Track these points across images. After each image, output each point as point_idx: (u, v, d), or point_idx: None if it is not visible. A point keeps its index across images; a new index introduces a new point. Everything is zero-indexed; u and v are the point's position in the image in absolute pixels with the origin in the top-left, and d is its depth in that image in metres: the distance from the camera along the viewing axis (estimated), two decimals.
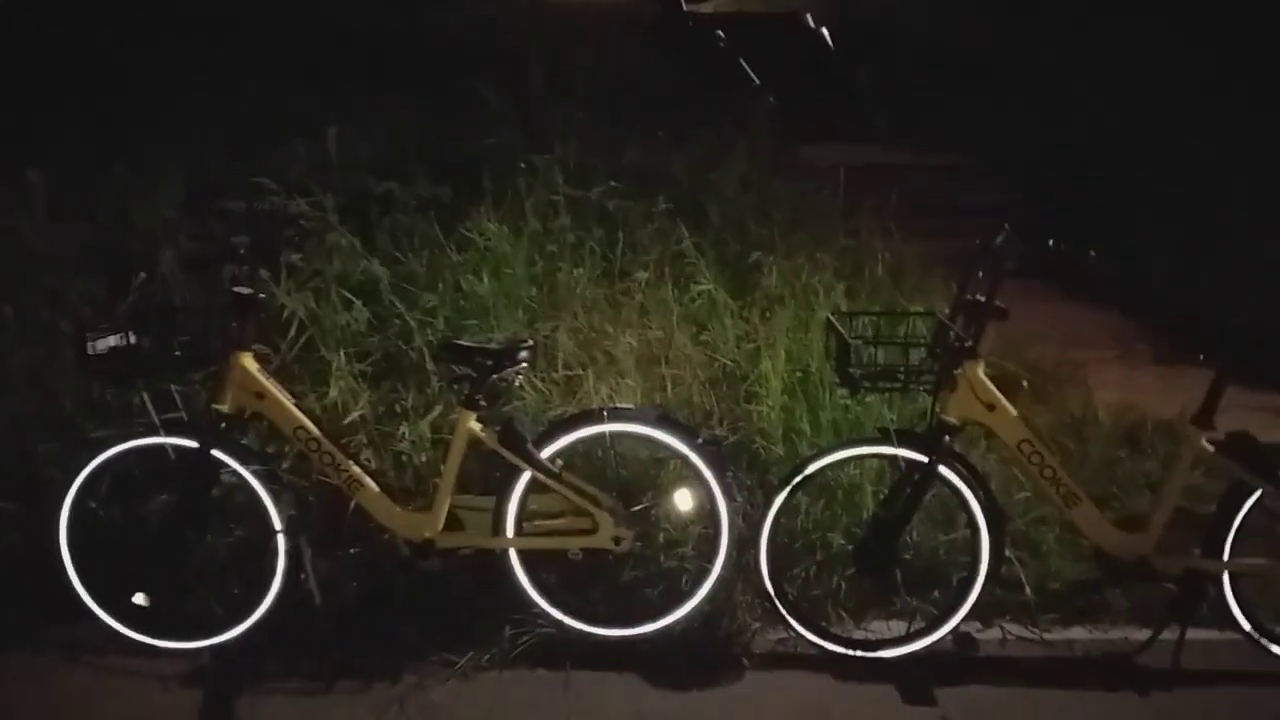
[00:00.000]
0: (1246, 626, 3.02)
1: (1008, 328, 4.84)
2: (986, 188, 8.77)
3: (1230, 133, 7.95)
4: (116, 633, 3.08)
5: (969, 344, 2.88)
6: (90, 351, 2.87)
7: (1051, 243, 2.88)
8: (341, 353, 3.61)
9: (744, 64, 10.71)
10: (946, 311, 3.00)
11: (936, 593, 3.27)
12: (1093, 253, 2.87)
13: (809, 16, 16.46)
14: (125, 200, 4.65)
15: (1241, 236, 6.68)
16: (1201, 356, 2.94)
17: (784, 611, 3.13)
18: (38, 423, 3.43)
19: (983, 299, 2.86)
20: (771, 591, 3.12)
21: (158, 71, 7.92)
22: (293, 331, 3.55)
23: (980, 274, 2.88)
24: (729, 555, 3.10)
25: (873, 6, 16.68)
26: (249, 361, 2.97)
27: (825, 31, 15.41)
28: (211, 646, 3.06)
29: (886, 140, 11.03)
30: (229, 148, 5.51)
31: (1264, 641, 3.03)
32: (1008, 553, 3.23)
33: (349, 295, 3.95)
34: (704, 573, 3.12)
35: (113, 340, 2.92)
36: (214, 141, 5.84)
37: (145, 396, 3.16)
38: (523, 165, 5.23)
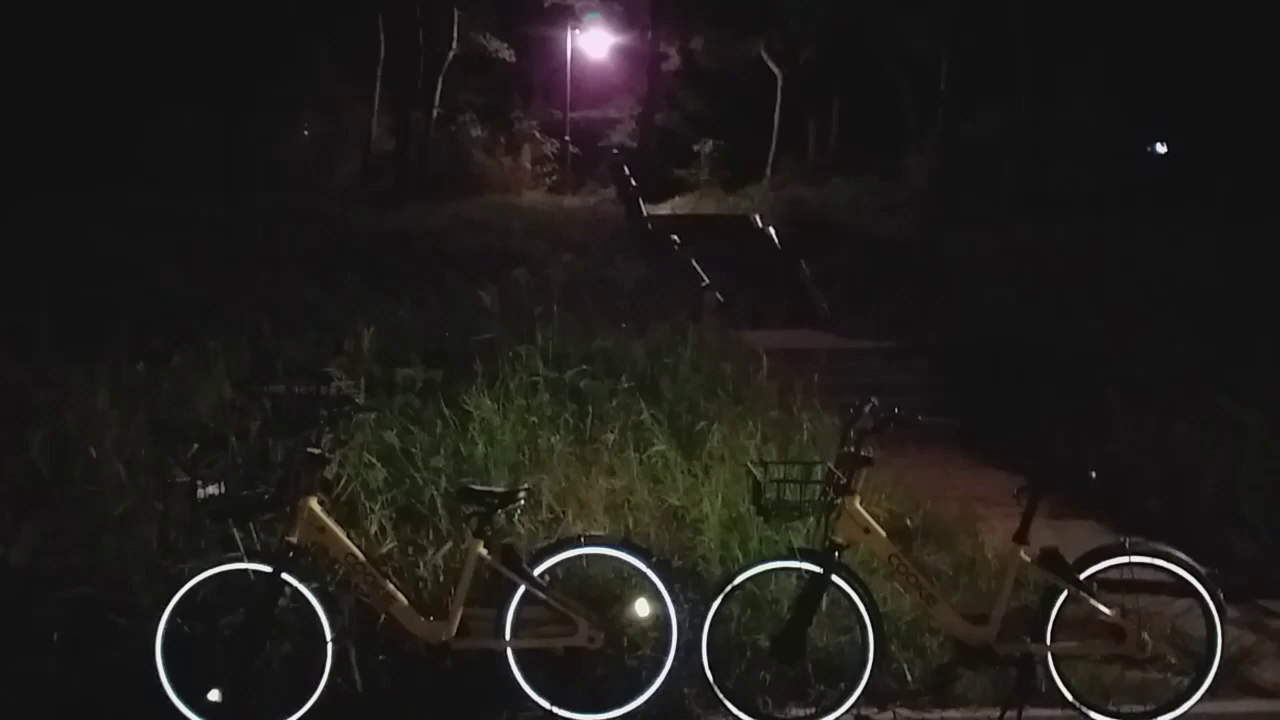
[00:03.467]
0: (1070, 698, 3.96)
1: (924, 484, 5.94)
2: (906, 369, 10.07)
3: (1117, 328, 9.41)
4: None
5: (846, 483, 3.94)
6: (200, 496, 3.85)
7: (896, 410, 4.00)
8: (373, 502, 4.60)
9: (695, 264, 12.17)
10: (833, 460, 4.08)
11: (843, 682, 4.17)
12: (920, 417, 4.00)
13: (758, 218, 18.40)
14: (187, 382, 5.69)
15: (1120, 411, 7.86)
16: (1015, 492, 4.02)
17: (722, 698, 4.01)
18: (131, 558, 4.33)
19: (854, 450, 3.95)
20: (712, 681, 4.02)
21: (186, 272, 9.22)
22: (340, 485, 4.55)
23: (852, 432, 3.99)
24: (679, 653, 4.01)
25: (817, 209, 18.69)
26: (315, 504, 3.95)
27: (772, 231, 17.25)
28: None
29: (823, 326, 12.44)
30: (265, 338, 6.64)
31: (1084, 710, 3.96)
32: (894, 649, 4.19)
33: (372, 459, 4.98)
34: (659, 667, 4.02)
35: (212, 489, 3.92)
36: (249, 332, 6.98)
37: (235, 531, 4.09)
38: (510, 354, 6.38)
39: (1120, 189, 16.28)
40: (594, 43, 24.97)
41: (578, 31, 24.48)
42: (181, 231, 11.91)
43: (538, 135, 24.65)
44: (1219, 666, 4.01)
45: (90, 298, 8.14)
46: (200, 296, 8.63)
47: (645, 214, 17.47)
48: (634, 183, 18.52)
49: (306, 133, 22.69)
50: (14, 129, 14.70)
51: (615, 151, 22.80)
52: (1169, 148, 20.91)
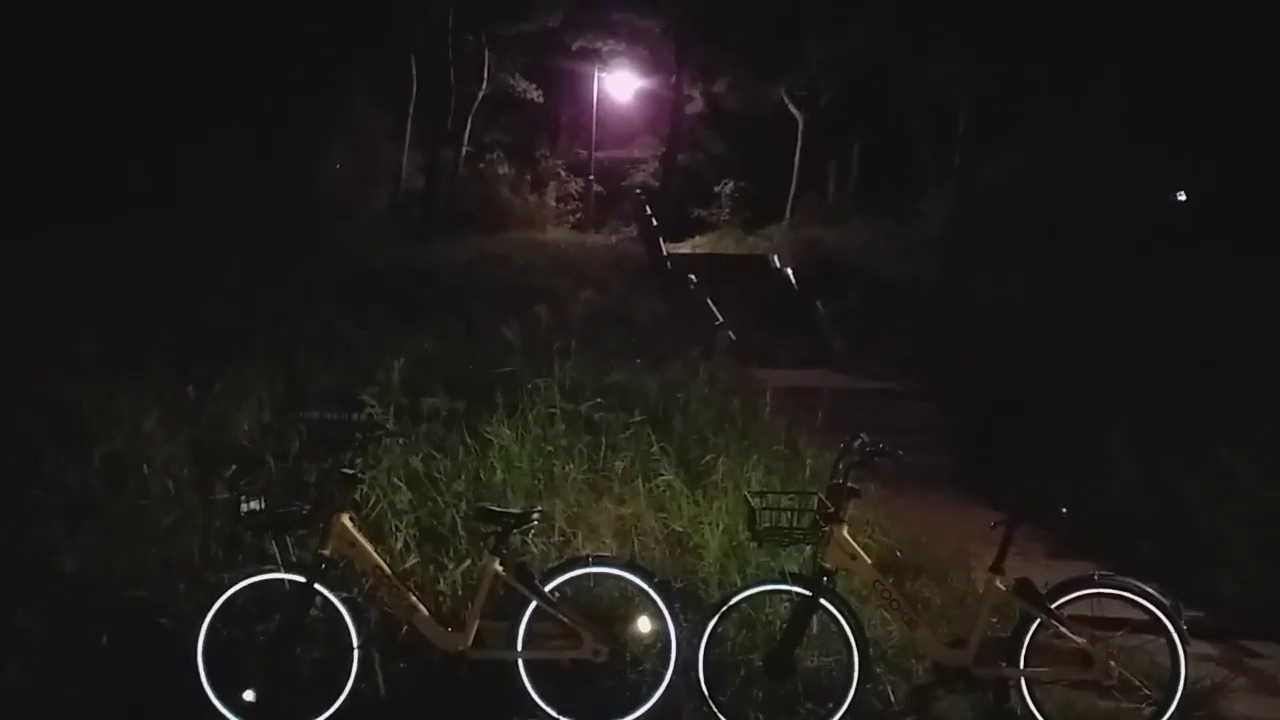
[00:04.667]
0: (1039, 719, 4.24)
1: (924, 521, 6.21)
2: (914, 409, 10.35)
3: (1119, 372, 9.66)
4: None
5: (835, 512, 4.26)
6: (242, 511, 4.23)
7: (881, 445, 4.33)
8: (399, 521, 4.96)
9: (709, 302, 12.54)
10: (824, 491, 4.41)
11: (830, 701, 4.45)
12: (900, 452, 4.33)
13: (776, 258, 18.78)
14: (227, 407, 6.09)
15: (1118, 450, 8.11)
16: (992, 525, 4.33)
17: (717, 712, 4.31)
18: (176, 568, 4.71)
19: (843, 482, 4.28)
20: (708, 696, 4.32)
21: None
22: (368, 505, 4.91)
23: (842, 464, 4.32)
24: (677, 668, 4.32)
25: (834, 250, 19.06)
26: (347, 521, 4.32)
27: (790, 271, 17.62)
28: None
29: (835, 366, 12.74)
30: (299, 367, 7.04)
31: None
32: (879, 671, 4.48)
33: (398, 482, 5.34)
34: (659, 681, 4.33)
35: (254, 504, 4.30)
36: (283, 361, 7.37)
37: (274, 544, 4.44)
38: (529, 386, 6.73)
39: (1137, 233, 16.51)
40: (620, 85, 25.61)
41: (604, 74, 25.13)
42: (214, 262, 12.37)
43: (563, 174, 25.24)
44: (1182, 695, 4.28)
45: (130, 325, 8.57)
46: (235, 326, 9.05)
47: (665, 252, 17.89)
48: (655, 222, 18.96)
49: (339, 167, 23.35)
50: (49, 156, 15.30)
51: (638, 191, 23.30)
52: (1189, 194, 21.13)
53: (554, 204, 24.40)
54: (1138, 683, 4.42)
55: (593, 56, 24.70)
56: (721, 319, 12.14)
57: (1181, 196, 21.40)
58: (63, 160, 15.40)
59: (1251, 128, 16.16)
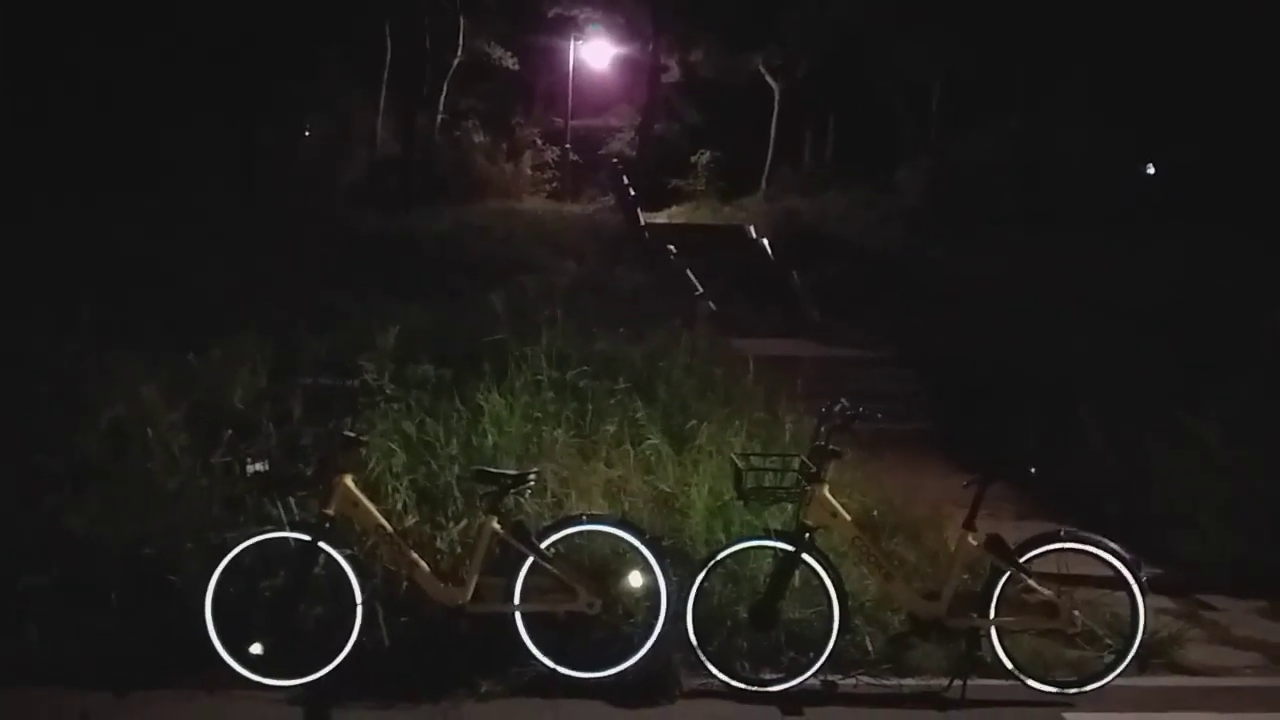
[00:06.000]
0: (1009, 666, 4.51)
1: (902, 482, 6.44)
2: (890, 377, 10.61)
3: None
4: (239, 674, 4.40)
5: (816, 473, 4.48)
6: (248, 473, 4.39)
7: (861, 409, 4.55)
8: (397, 483, 5.13)
9: (689, 273, 12.71)
10: (806, 453, 4.63)
11: (811, 651, 4.70)
12: (879, 414, 4.56)
13: (752, 229, 18.96)
14: (224, 374, 6.20)
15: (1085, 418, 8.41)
16: (964, 484, 4.57)
17: (705, 661, 4.55)
18: (179, 529, 4.85)
19: (824, 444, 4.50)
20: (696, 646, 4.55)
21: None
22: (370, 465, 5.08)
23: (823, 428, 4.54)
24: (667, 620, 4.54)
25: (810, 221, 19.26)
26: (350, 481, 4.49)
27: (766, 242, 17.81)
28: (308, 682, 4.41)
29: (812, 335, 12.98)
30: (295, 335, 7.16)
31: (1024, 679, 4.51)
32: (858, 623, 4.74)
33: (393, 446, 5.50)
34: (649, 632, 4.55)
35: (259, 466, 4.45)
36: (276, 329, 7.47)
37: (278, 504, 4.59)
38: (516, 354, 6.89)
39: (1109, 207, 16.83)
40: (596, 53, 25.53)
41: (580, 42, 25.04)
42: (199, 235, 12.38)
43: (539, 143, 25.18)
44: (1141, 644, 4.56)
45: (121, 296, 8.63)
46: (224, 297, 9.13)
47: (643, 223, 18.00)
48: (632, 192, 19.03)
49: (308, 134, 23.20)
50: (39, 132, 15.20)
51: (615, 161, 23.33)
52: (1157, 168, 21.52)
53: (530, 173, 24.35)
54: (1100, 632, 4.71)
55: (569, 24, 24.60)
56: (701, 289, 12.32)
57: (1150, 169, 21.78)
58: (45, 139, 15.30)
59: (1219, 106, 16.51)
